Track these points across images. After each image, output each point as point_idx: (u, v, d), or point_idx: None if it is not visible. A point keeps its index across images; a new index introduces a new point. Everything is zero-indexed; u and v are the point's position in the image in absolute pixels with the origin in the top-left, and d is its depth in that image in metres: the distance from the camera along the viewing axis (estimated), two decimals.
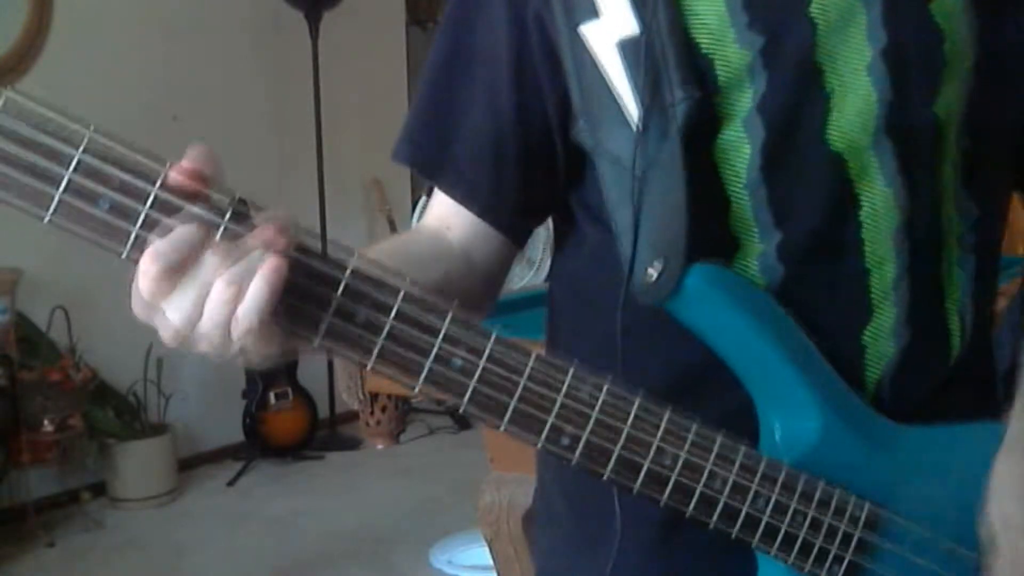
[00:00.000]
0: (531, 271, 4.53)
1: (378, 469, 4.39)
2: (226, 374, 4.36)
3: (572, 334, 0.93)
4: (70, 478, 3.80)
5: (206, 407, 4.37)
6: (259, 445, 4.38)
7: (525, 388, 0.73)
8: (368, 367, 0.70)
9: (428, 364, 0.71)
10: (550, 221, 0.96)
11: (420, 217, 3.68)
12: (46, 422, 3.54)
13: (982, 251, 0.87)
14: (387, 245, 0.89)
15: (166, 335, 0.66)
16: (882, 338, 0.83)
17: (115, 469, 3.89)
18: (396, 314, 0.70)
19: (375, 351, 0.70)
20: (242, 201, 0.67)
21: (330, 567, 3.39)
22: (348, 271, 0.69)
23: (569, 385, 0.74)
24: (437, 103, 0.90)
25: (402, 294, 0.70)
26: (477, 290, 0.91)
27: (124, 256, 0.65)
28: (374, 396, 4.53)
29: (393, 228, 4.96)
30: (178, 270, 0.64)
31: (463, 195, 0.89)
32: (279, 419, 4.39)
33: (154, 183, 0.64)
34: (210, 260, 0.64)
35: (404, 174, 5.35)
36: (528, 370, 0.73)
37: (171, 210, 0.65)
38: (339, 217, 4.87)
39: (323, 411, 4.69)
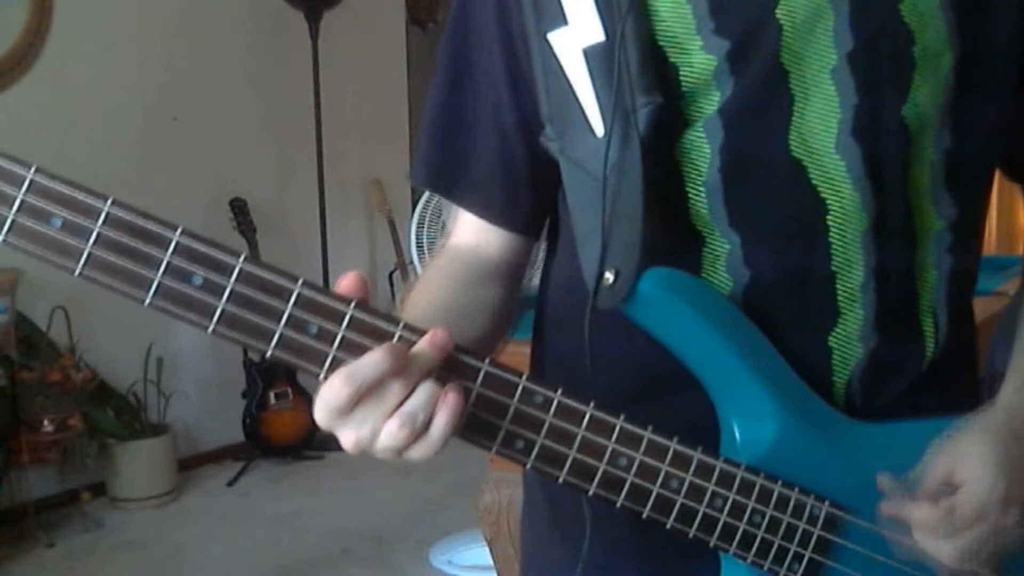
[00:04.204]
0: (532, 270, 4.53)
1: (378, 469, 4.38)
2: (226, 374, 4.37)
3: (554, 331, 0.95)
4: (70, 478, 3.80)
5: (206, 407, 4.38)
6: (259, 445, 4.38)
7: (479, 395, 0.73)
8: (320, 377, 0.71)
9: None
10: None
11: (420, 215, 3.64)
12: (46, 422, 3.54)
13: (960, 251, 0.87)
14: (444, 293, 0.91)
15: (346, 445, 0.70)
16: (849, 341, 0.83)
17: (115, 469, 3.89)
18: (348, 323, 0.70)
19: (327, 361, 0.71)
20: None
21: (330, 567, 3.39)
22: (299, 282, 0.70)
23: (523, 390, 0.74)
24: (446, 125, 0.93)
25: (353, 303, 0.70)
26: (516, 295, 0.96)
27: (76, 274, 0.67)
28: None
29: (393, 228, 4.96)
30: (366, 393, 0.68)
31: (482, 211, 0.92)
32: (279, 419, 4.39)
33: (105, 201, 0.66)
34: (393, 387, 0.68)
35: (404, 174, 5.35)
36: (481, 376, 0.73)
37: (122, 228, 0.67)
38: (339, 217, 4.87)
39: None
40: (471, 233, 0.94)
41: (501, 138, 0.89)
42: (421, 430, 0.69)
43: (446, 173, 0.93)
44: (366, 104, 5.09)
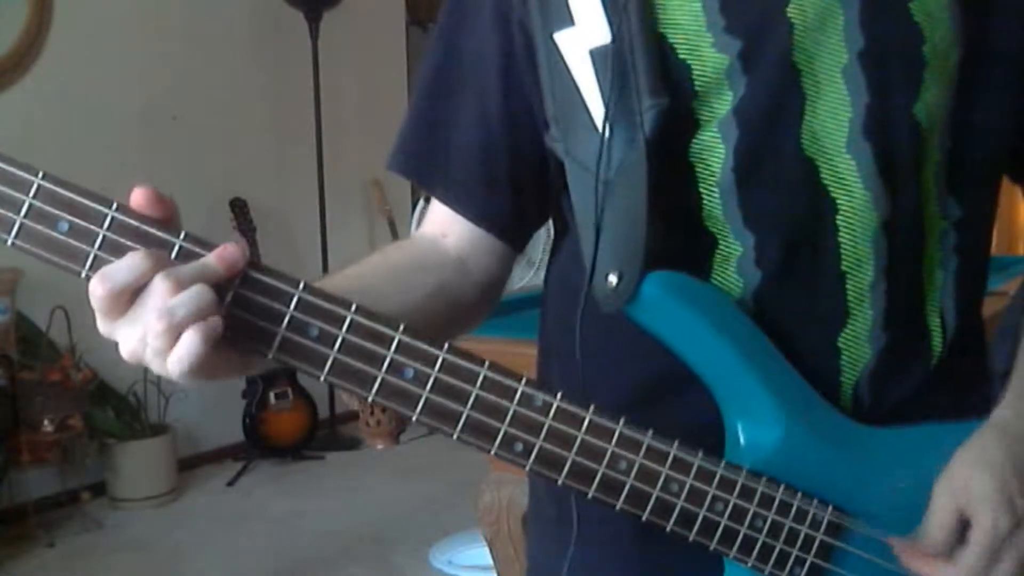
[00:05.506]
0: (531, 271, 4.53)
1: (378, 469, 4.39)
2: None
3: (559, 332, 0.94)
4: (70, 478, 3.79)
5: (206, 407, 4.37)
6: (259, 445, 4.39)
7: (478, 397, 0.73)
8: (321, 379, 0.71)
9: (381, 375, 0.72)
10: (550, 222, 0.96)
11: (419, 221, 3.71)
12: (46, 422, 3.54)
13: (966, 251, 0.86)
14: (365, 265, 0.89)
15: (123, 352, 0.68)
16: (859, 342, 0.83)
17: (115, 469, 3.90)
18: (349, 326, 0.70)
19: (328, 363, 0.70)
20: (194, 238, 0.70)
21: (330, 567, 3.39)
22: (301, 285, 0.70)
23: (522, 394, 0.74)
24: (429, 112, 0.91)
25: (354, 307, 0.71)
26: (472, 297, 0.92)
27: (83, 276, 0.67)
28: None
29: (393, 228, 4.96)
30: (125, 295, 0.66)
31: (456, 202, 0.90)
32: (279, 419, 4.39)
33: (110, 206, 0.67)
34: (156, 287, 0.66)
35: None
36: (480, 379, 0.73)
37: (127, 232, 0.68)
38: (339, 217, 4.87)
39: (323, 411, 4.69)
40: (436, 224, 0.92)
41: (484, 127, 0.88)
42: (180, 329, 0.65)
43: (423, 159, 0.92)
44: (366, 104, 5.09)
